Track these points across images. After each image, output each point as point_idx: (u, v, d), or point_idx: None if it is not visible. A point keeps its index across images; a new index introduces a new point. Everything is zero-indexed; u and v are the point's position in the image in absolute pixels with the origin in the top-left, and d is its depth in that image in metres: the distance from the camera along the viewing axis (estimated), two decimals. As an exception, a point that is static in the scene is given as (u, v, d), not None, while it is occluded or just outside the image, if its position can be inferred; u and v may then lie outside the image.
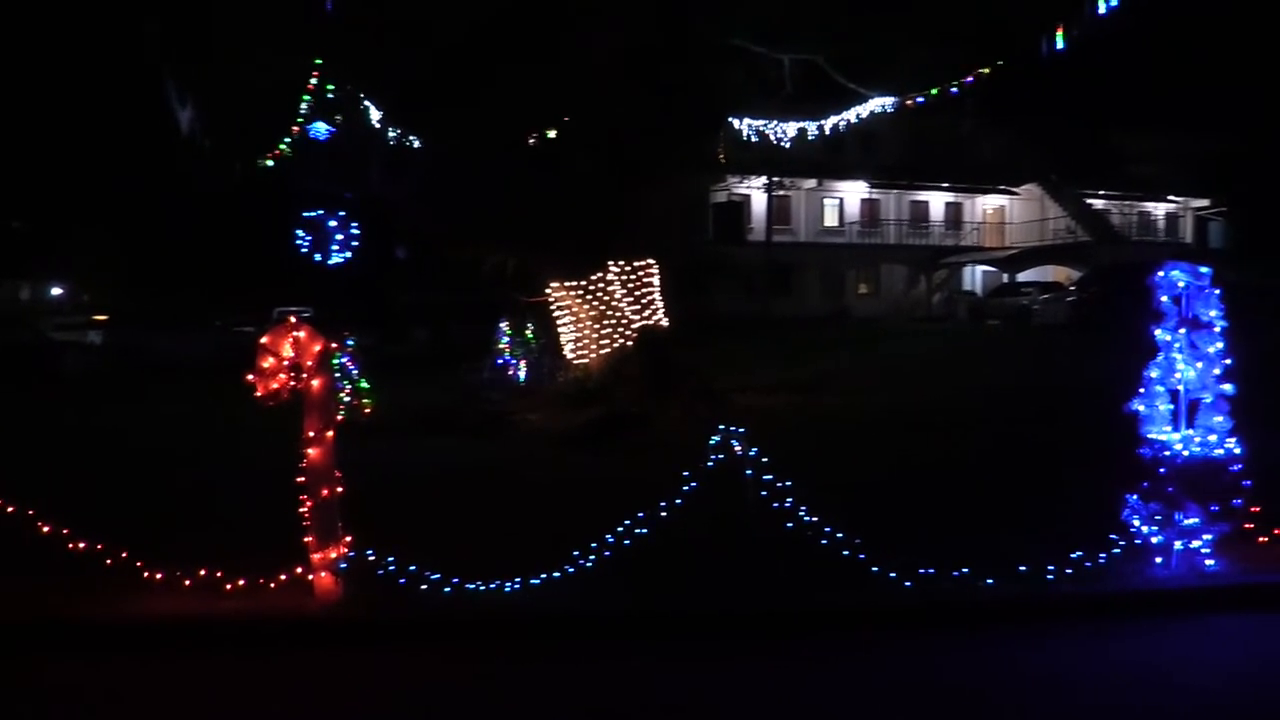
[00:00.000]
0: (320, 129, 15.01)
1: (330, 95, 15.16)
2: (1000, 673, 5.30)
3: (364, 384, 14.58)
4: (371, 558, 6.26)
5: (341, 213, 15.72)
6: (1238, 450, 6.31)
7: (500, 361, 18.44)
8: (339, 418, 6.57)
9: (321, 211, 15.68)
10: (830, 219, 49.39)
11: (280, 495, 6.43)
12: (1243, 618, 6.07)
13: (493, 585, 6.16)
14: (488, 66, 13.66)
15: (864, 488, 8.75)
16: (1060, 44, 13.74)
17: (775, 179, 42.89)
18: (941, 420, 12.84)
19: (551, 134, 14.72)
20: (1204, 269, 6.39)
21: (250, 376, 6.04)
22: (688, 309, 19.06)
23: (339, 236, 15.47)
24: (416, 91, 14.46)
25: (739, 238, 44.71)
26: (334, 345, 6.55)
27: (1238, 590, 6.26)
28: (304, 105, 15.23)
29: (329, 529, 6.15)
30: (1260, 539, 6.68)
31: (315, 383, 6.09)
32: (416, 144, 15.48)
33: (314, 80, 14.91)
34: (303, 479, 6.11)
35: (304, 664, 5.62)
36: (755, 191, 44.70)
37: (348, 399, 14.22)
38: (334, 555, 6.15)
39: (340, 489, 6.20)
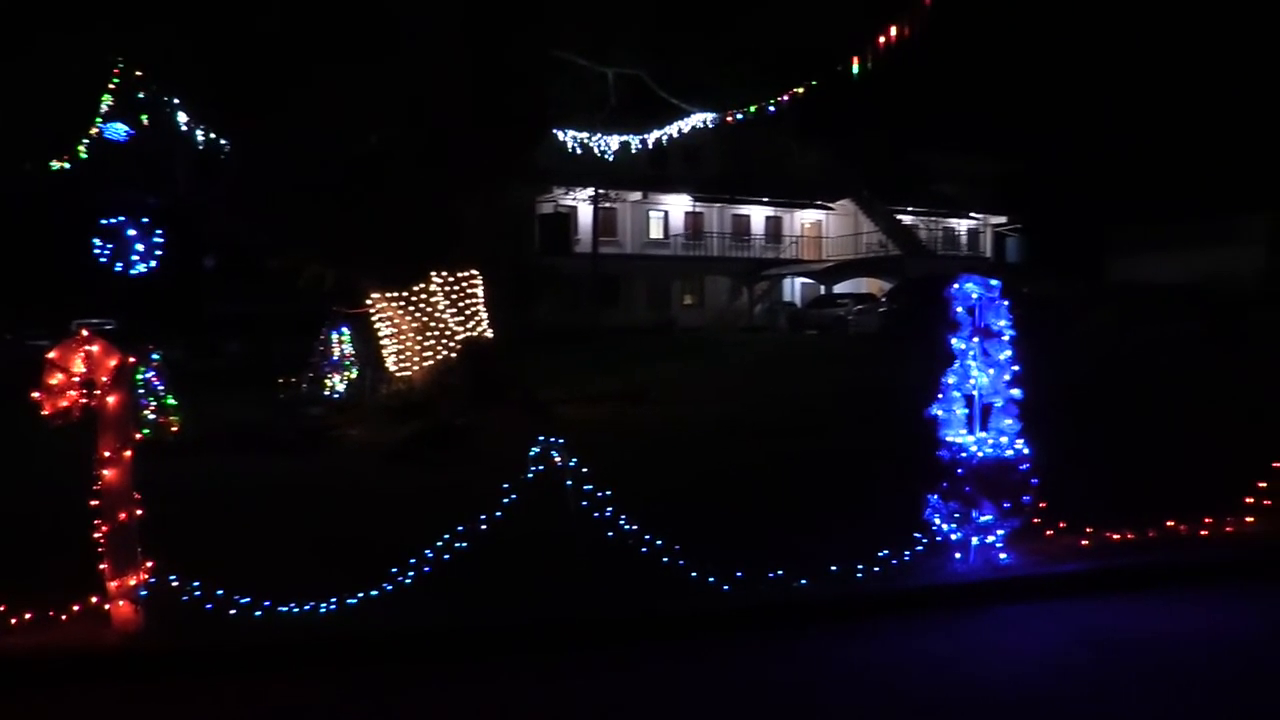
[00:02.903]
0: (119, 129, 14.17)
1: (135, 94, 14.37)
2: (816, 669, 5.48)
3: (171, 400, 13.84)
4: (175, 583, 5.94)
5: (145, 218, 14.87)
6: (1026, 450, 6.74)
7: (320, 375, 17.88)
8: (139, 436, 6.21)
9: (122, 217, 14.79)
10: (655, 231, 50.19)
11: (74, 520, 6.03)
12: (1033, 606, 6.46)
13: (306, 607, 5.94)
14: (302, 67, 13.23)
15: (685, 495, 8.93)
16: (859, 71, 14.48)
17: (601, 191, 43.26)
18: (761, 427, 13.24)
19: (372, 141, 14.40)
20: (994, 281, 6.80)
21: (37, 394, 5.65)
22: (513, 320, 18.98)
23: (141, 244, 14.62)
24: (226, 92, 13.87)
25: (565, 249, 44.91)
26: (133, 360, 6.18)
27: (1028, 581, 6.67)
28: (103, 104, 14.37)
29: (127, 555, 5.79)
30: (1047, 532, 7.18)
31: (110, 400, 5.73)
32: (227, 147, 14.84)
33: (115, 77, 14.10)
34: (97, 502, 5.74)
35: (101, 700, 5.27)
36: (581, 203, 44.96)
37: (153, 416, 13.50)
38: (133, 582, 5.80)
39: (140, 512, 5.85)
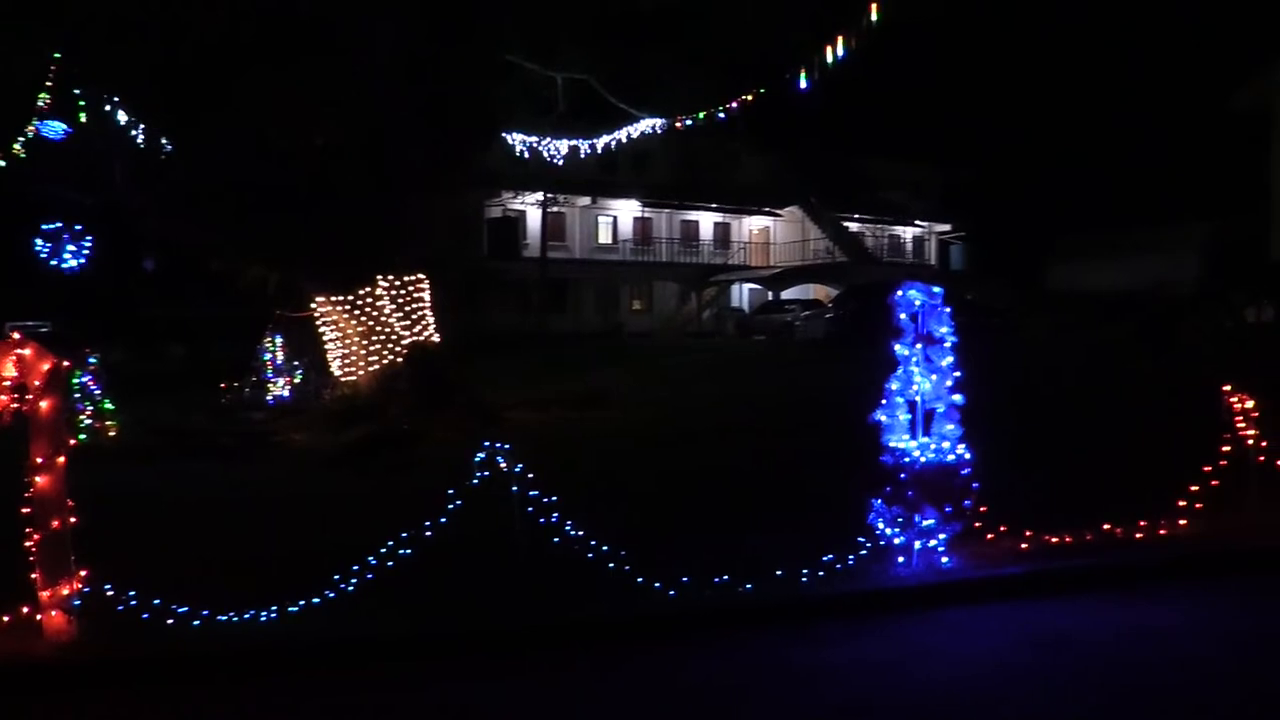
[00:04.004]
0: (56, 128, 13.86)
1: (72, 91, 14.06)
2: (761, 673, 5.50)
3: (108, 404, 13.61)
4: (110, 592, 5.81)
5: (82, 220, 14.59)
6: (967, 455, 6.83)
7: (263, 379, 17.64)
8: (73, 441, 6.08)
9: (59, 218, 14.50)
10: (604, 236, 50.15)
11: (4, 527, 5.87)
12: (975, 609, 6.55)
13: (247, 615, 5.84)
14: (244, 67, 13.05)
15: (632, 500, 8.93)
16: (806, 79, 14.62)
17: (550, 195, 43.13)
18: (708, 432, 13.25)
19: (317, 143, 14.23)
20: (937, 288, 6.89)
21: (-35, 398, 5.50)
22: (461, 324, 18.86)
23: (79, 245, 14.34)
24: (167, 91, 13.63)
25: (514, 253, 44.70)
26: (67, 363, 6.05)
27: (970, 583, 6.78)
28: (40, 102, 14.04)
29: (60, 563, 5.65)
30: (988, 536, 7.28)
31: (43, 404, 5.60)
32: (168, 147, 14.57)
33: (51, 75, 13.79)
34: (29, 510, 5.60)
35: (31, 713, 5.14)
36: (530, 208, 44.77)
37: (89, 421, 13.25)
38: (66, 592, 5.66)
39: (73, 519, 5.71)
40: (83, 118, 14.25)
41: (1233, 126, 32.44)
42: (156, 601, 5.82)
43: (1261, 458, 7.86)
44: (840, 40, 14.57)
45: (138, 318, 31.35)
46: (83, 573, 5.77)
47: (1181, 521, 7.69)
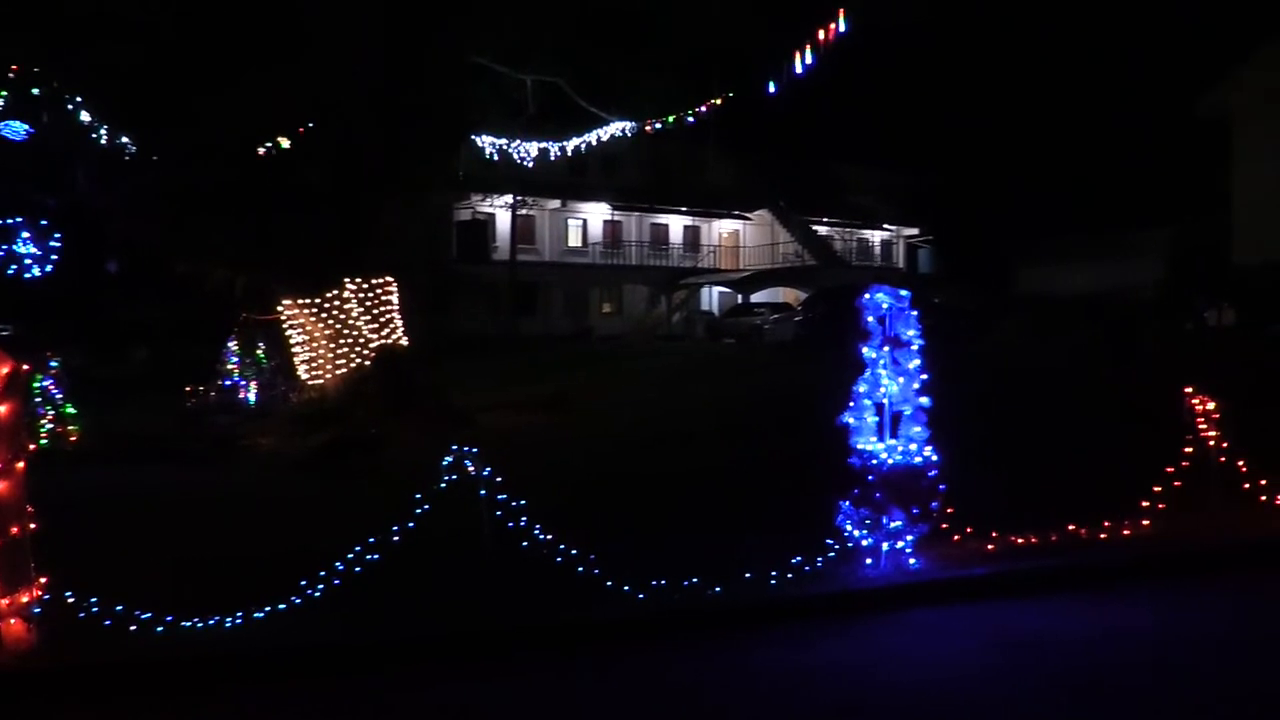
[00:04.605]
0: (16, 128, 13.66)
1: (33, 90, 13.86)
2: (731, 676, 5.52)
3: (69, 409, 13.42)
4: (71, 599, 5.73)
5: (42, 220, 14.40)
6: (934, 457, 6.88)
7: (228, 383, 17.48)
8: (33, 446, 5.98)
9: (18, 219, 14.31)
10: (574, 239, 50.09)
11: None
12: (942, 610, 6.59)
13: (211, 622, 5.77)
14: (212, 68, 12.93)
15: (600, 503, 8.91)
16: (773, 87, 14.70)
17: (519, 198, 43.03)
18: (677, 435, 13.25)
19: (284, 144, 14.11)
20: (904, 292, 6.94)
21: (-79, 403, 5.40)
22: (430, 327, 18.75)
23: (38, 247, 14.16)
24: (132, 90, 13.48)
25: (483, 256, 44.55)
26: (27, 367, 5.95)
27: (937, 585, 6.82)
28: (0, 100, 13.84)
29: (19, 570, 5.56)
30: (954, 537, 7.33)
31: (3, 408, 5.51)
32: (132, 148, 14.39)
33: (13, 75, 13.60)
34: (-13, 515, 5.51)
35: (-12, 721, 5.06)
36: (500, 210, 44.64)
37: (50, 425, 13.07)
38: (25, 599, 5.57)
39: (33, 525, 5.63)
40: (44, 117, 14.06)
41: (1196, 133, 32.90)
42: (119, 608, 5.74)
43: (1222, 459, 7.99)
44: (809, 46, 14.65)
45: (100, 320, 30.90)
46: (43, 580, 5.69)
47: (1145, 522, 7.79)
